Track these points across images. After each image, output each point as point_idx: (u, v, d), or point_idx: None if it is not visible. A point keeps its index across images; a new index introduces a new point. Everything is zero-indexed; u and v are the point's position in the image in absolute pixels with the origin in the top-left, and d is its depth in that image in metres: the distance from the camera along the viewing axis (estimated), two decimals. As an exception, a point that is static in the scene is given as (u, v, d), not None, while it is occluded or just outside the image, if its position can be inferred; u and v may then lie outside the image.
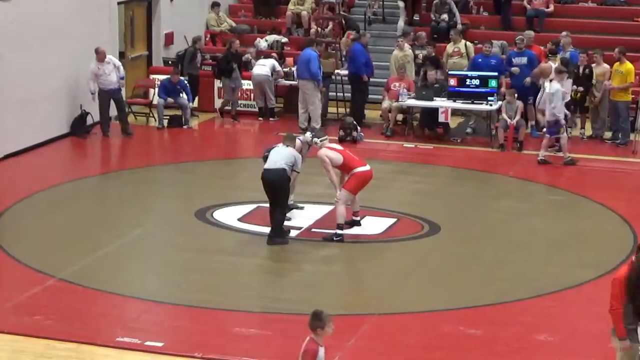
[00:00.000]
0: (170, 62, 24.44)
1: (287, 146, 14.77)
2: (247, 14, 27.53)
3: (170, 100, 22.03)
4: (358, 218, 15.53)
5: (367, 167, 15.10)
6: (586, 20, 25.21)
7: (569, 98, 20.53)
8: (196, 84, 23.05)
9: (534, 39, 22.39)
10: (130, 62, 23.79)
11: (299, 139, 15.57)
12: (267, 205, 14.94)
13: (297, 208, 15.99)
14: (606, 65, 20.98)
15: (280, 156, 14.53)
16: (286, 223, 15.30)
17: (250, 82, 23.07)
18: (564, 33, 22.50)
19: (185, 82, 22.45)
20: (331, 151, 15.09)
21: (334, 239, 14.82)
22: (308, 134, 15.88)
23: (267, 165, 14.52)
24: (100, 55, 20.54)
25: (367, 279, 13.60)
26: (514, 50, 21.86)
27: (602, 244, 14.93)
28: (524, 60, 21.50)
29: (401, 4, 25.54)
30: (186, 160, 20.15)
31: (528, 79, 21.32)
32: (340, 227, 14.90)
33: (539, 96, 20.92)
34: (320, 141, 15.35)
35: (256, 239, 15.00)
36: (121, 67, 21.09)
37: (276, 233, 14.59)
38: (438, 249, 14.82)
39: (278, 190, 14.49)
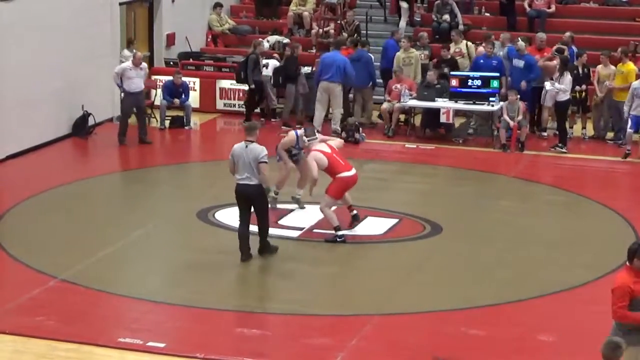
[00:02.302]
0: (171, 63, 24.44)
1: (247, 145, 13.64)
2: (249, 14, 27.53)
3: (176, 101, 22.02)
4: (355, 212, 15.54)
5: (352, 172, 15.09)
6: (587, 20, 25.19)
7: (568, 96, 20.58)
8: (262, 91, 22.72)
9: (545, 41, 22.30)
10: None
11: (296, 132, 15.84)
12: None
13: (300, 207, 16.00)
14: (612, 67, 20.97)
15: (250, 168, 13.59)
16: (289, 223, 15.39)
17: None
18: (567, 33, 22.51)
19: (187, 84, 22.45)
20: (319, 153, 15.11)
21: (337, 240, 14.85)
22: (302, 130, 15.96)
23: (241, 180, 13.68)
24: (136, 60, 20.52)
25: (368, 280, 13.61)
26: (515, 52, 21.76)
27: (603, 244, 14.95)
28: (521, 63, 21.45)
29: (404, 5, 25.51)
30: (188, 161, 20.17)
31: (523, 83, 21.18)
32: (337, 228, 14.91)
33: (542, 94, 20.98)
34: (309, 141, 15.45)
35: (257, 239, 15.00)
36: (146, 72, 21.09)
37: (266, 243, 14.11)
38: (440, 249, 14.83)
39: (256, 203, 13.81)
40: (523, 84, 21.14)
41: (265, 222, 14.02)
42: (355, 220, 15.53)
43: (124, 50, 22.95)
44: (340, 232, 14.89)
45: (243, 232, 13.92)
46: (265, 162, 13.59)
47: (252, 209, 13.89)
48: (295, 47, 22.76)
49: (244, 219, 13.91)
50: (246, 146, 13.67)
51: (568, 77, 20.54)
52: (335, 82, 21.32)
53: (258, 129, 14.10)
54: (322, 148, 15.25)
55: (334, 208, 15.64)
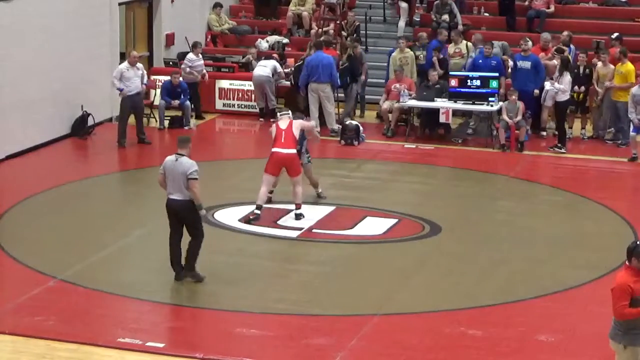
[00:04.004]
0: (170, 63, 24.41)
1: (178, 159, 13.10)
2: (248, 14, 27.54)
3: (175, 102, 22.03)
4: (299, 211, 15.85)
5: (282, 150, 15.58)
6: (587, 20, 25.20)
7: (568, 96, 20.56)
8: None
9: (550, 41, 22.27)
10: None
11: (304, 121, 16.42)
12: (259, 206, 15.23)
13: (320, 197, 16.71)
14: (612, 66, 20.99)
15: (178, 182, 12.95)
16: (288, 223, 15.41)
17: (250, 82, 23.09)
18: (565, 33, 22.54)
19: (185, 84, 22.46)
20: (274, 126, 15.99)
21: (250, 217, 15.56)
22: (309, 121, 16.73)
23: (170, 195, 13.05)
24: (132, 60, 20.53)
25: (368, 280, 13.61)
26: (519, 54, 21.65)
27: (602, 244, 14.95)
28: (528, 64, 21.37)
29: (404, 5, 25.50)
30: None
31: (537, 91, 21.14)
32: (258, 207, 15.61)
33: (543, 94, 20.97)
34: (280, 115, 16.22)
35: (256, 239, 15.05)
36: (145, 75, 20.97)
37: (191, 266, 13.24)
38: (439, 249, 14.84)
39: (185, 220, 13.10)
40: (537, 91, 21.05)
41: (196, 243, 13.18)
42: (297, 218, 15.80)
43: (189, 54, 22.92)
44: (257, 211, 15.58)
45: (173, 244, 13.21)
46: (195, 179, 12.88)
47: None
48: (355, 47, 22.83)
49: (173, 233, 13.21)
50: (176, 159, 13.07)
51: (567, 77, 20.54)
52: (323, 83, 21.38)
53: (190, 142, 13.39)
54: (281, 124, 15.85)
55: (329, 210, 15.68)
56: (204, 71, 22.99)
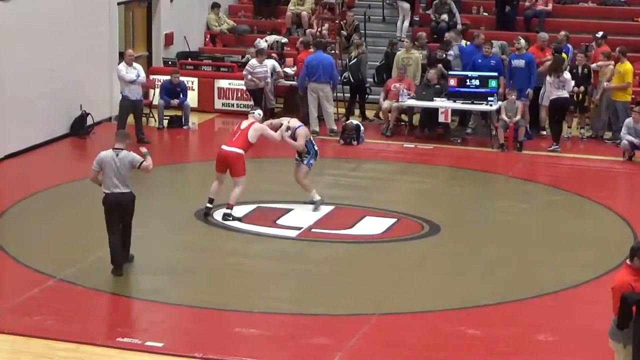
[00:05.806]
0: (169, 63, 24.38)
1: (118, 154, 13.20)
2: (247, 14, 27.55)
3: (174, 101, 22.01)
4: (228, 211, 15.76)
5: (225, 147, 15.66)
6: (586, 20, 25.19)
7: (558, 95, 20.51)
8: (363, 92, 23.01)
9: (547, 41, 22.26)
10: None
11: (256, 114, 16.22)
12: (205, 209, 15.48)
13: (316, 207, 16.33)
14: (611, 66, 20.98)
15: (123, 177, 13.16)
16: (287, 223, 15.40)
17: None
18: (562, 32, 22.53)
19: (185, 83, 22.46)
20: (239, 123, 16.18)
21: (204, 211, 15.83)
22: (257, 112, 16.35)
23: (114, 189, 13.11)
24: (127, 58, 20.46)
25: (367, 279, 13.61)
26: (514, 53, 21.68)
27: (602, 244, 14.96)
28: (522, 62, 21.38)
29: (405, 5, 25.44)
30: (186, 160, 20.17)
31: (530, 91, 21.14)
32: (209, 200, 15.81)
33: (541, 93, 20.96)
34: (249, 113, 16.32)
35: (256, 239, 15.04)
36: (143, 74, 20.83)
37: (128, 256, 13.55)
38: (438, 249, 14.84)
39: (128, 213, 13.35)
40: (530, 91, 21.06)
41: (129, 232, 13.44)
42: (223, 218, 15.68)
43: (252, 60, 22.65)
44: (208, 205, 15.74)
45: (117, 242, 13.31)
46: (144, 161, 13.26)
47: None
48: (394, 44, 23.05)
49: (116, 230, 13.29)
50: (117, 155, 13.13)
51: (547, 79, 20.53)
52: (323, 83, 21.37)
53: (130, 138, 13.53)
54: (244, 123, 15.90)
55: (328, 209, 15.67)
56: (268, 79, 22.62)
